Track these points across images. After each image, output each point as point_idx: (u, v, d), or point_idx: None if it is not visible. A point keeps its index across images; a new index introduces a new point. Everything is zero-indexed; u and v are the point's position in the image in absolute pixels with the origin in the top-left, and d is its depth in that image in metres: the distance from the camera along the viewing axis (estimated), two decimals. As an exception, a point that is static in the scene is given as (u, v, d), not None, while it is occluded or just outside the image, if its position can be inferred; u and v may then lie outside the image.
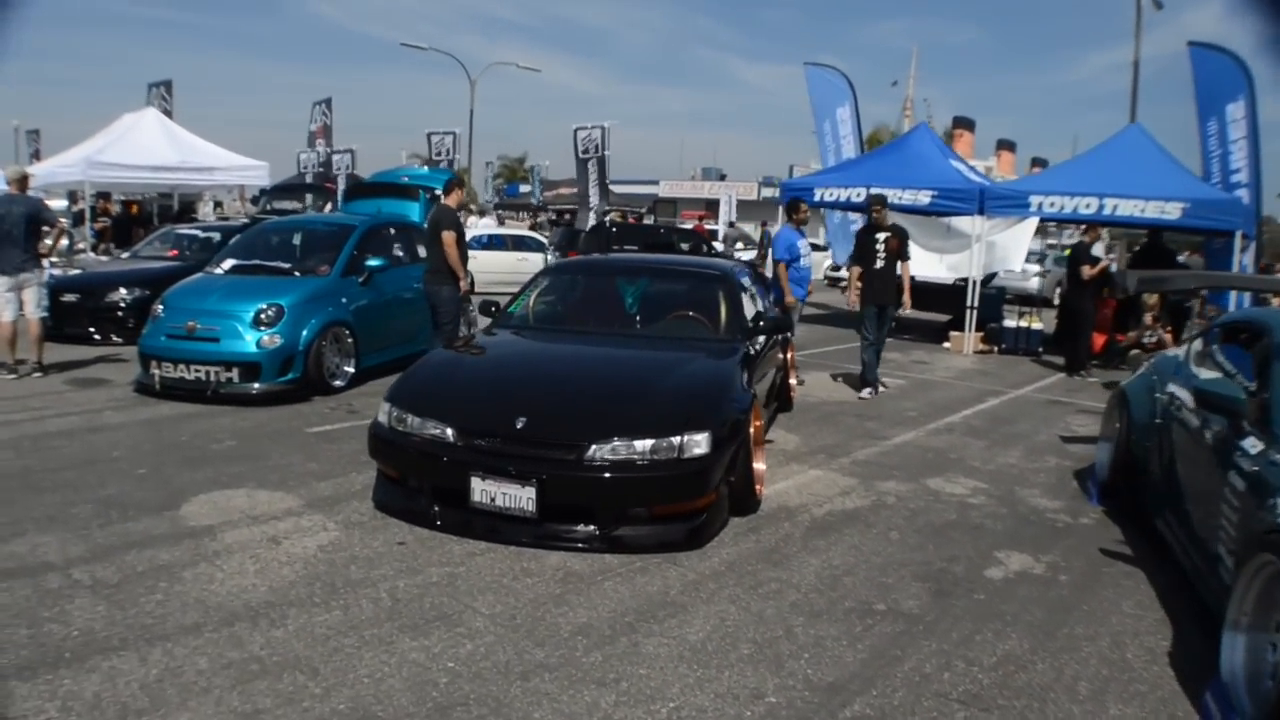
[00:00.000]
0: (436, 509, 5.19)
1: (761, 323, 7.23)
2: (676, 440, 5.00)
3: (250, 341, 8.07)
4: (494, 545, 4.96)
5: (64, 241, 10.65)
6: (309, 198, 14.32)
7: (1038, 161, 54.04)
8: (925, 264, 15.77)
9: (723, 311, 7.02)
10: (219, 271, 9.13)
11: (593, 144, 17.46)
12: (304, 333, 8.31)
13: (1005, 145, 56.83)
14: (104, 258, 14.57)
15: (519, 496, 4.93)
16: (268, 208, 14.66)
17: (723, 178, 51.76)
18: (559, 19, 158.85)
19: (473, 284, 9.06)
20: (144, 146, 15.10)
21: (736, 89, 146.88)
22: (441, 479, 5.19)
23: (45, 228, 9.18)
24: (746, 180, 48.30)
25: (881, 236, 9.12)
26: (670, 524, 4.99)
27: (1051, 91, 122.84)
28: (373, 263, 9.22)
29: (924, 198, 14.92)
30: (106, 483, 5.81)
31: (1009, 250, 16.41)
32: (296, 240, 9.77)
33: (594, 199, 17.21)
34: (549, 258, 19.13)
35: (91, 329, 10.99)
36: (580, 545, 4.88)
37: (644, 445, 5.00)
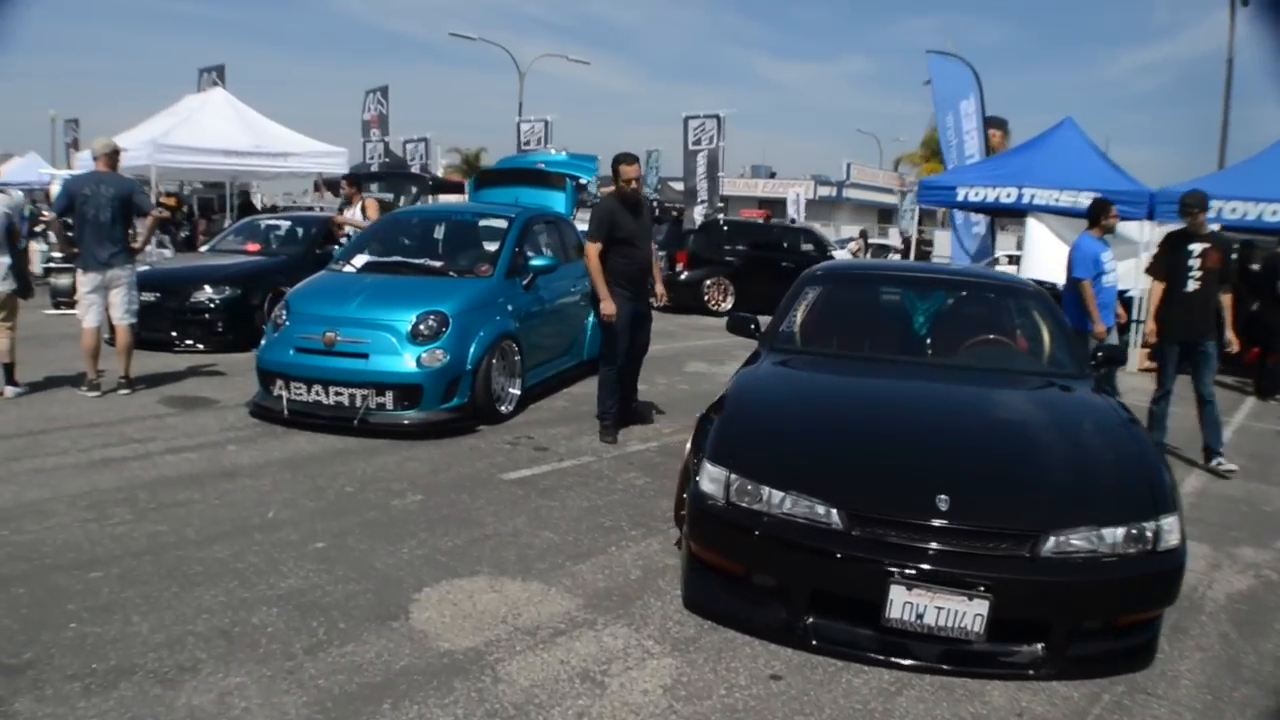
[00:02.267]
0: (811, 622, 3.45)
1: (1100, 353, 5.46)
2: (1150, 527, 3.47)
3: (409, 359, 6.27)
4: (903, 674, 3.33)
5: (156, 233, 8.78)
6: (411, 188, 12.53)
7: (991, 121, 52.73)
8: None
9: (1048, 336, 5.29)
10: (351, 270, 7.32)
11: (706, 134, 15.66)
12: (472, 348, 6.51)
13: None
14: (166, 253, 12.83)
15: (962, 613, 3.27)
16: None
17: (773, 175, 50.56)
18: (588, 17, 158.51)
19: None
20: (214, 129, 13.35)
21: (765, 87, 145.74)
22: (831, 583, 3.42)
23: (139, 215, 7.41)
24: (795, 178, 46.70)
25: (1197, 249, 6.75)
26: (1125, 637, 3.60)
27: (1082, 91, 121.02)
28: (538, 262, 7.43)
29: (1085, 200, 13.40)
30: (280, 566, 4.01)
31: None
32: (439, 233, 7.98)
33: (703, 194, 15.50)
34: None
35: (174, 334, 9.22)
36: (1028, 672, 3.39)
37: (1114, 534, 3.44)
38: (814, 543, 3.41)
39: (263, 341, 6.73)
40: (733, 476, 3.61)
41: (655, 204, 25.26)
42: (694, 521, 3.73)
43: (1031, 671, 3.38)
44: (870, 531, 3.40)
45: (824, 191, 46.21)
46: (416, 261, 7.32)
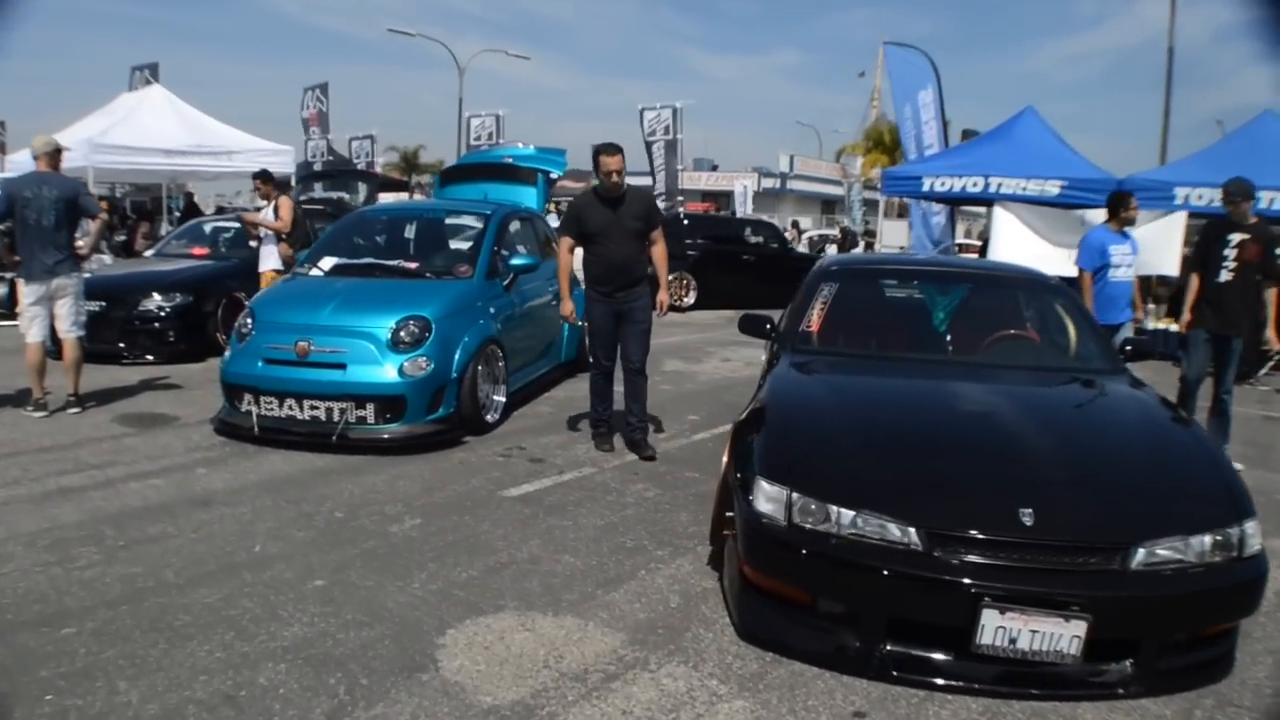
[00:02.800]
0: (888, 650, 3.17)
1: (1129, 347, 5.27)
2: (1234, 533, 3.28)
3: (391, 368, 5.81)
4: (992, 702, 3.09)
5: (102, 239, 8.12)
6: (360, 186, 11.94)
7: (968, 133, 53.93)
8: (1055, 261, 13.96)
9: (1074, 330, 5.09)
10: (318, 273, 6.81)
11: (661, 125, 15.28)
12: (456, 354, 6.09)
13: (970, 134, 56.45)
14: (105, 259, 12.04)
15: (1059, 635, 3.02)
16: (301, 199, 12.21)
17: (714, 168, 50.35)
18: (521, 11, 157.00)
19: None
20: (153, 128, 12.57)
21: (698, 81, 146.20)
22: (911, 609, 3.12)
23: (86, 218, 6.82)
24: (736, 171, 46.60)
25: (1235, 239, 6.42)
26: (1208, 648, 3.40)
27: (1012, 81, 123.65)
28: (518, 261, 7.01)
29: (1052, 188, 13.83)
30: (280, 611, 3.57)
31: (1159, 249, 14.52)
32: (410, 233, 7.50)
33: (660, 187, 15.18)
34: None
35: (122, 345, 8.58)
36: (1118, 691, 3.17)
37: (1201, 542, 3.23)
38: (891, 565, 3.10)
39: (226, 353, 6.21)
40: (794, 495, 3.29)
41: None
42: (750, 545, 3.39)
43: (1121, 690, 3.16)
44: (952, 551, 3.10)
45: (768, 183, 46.21)
46: (390, 263, 6.85)
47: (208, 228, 10.90)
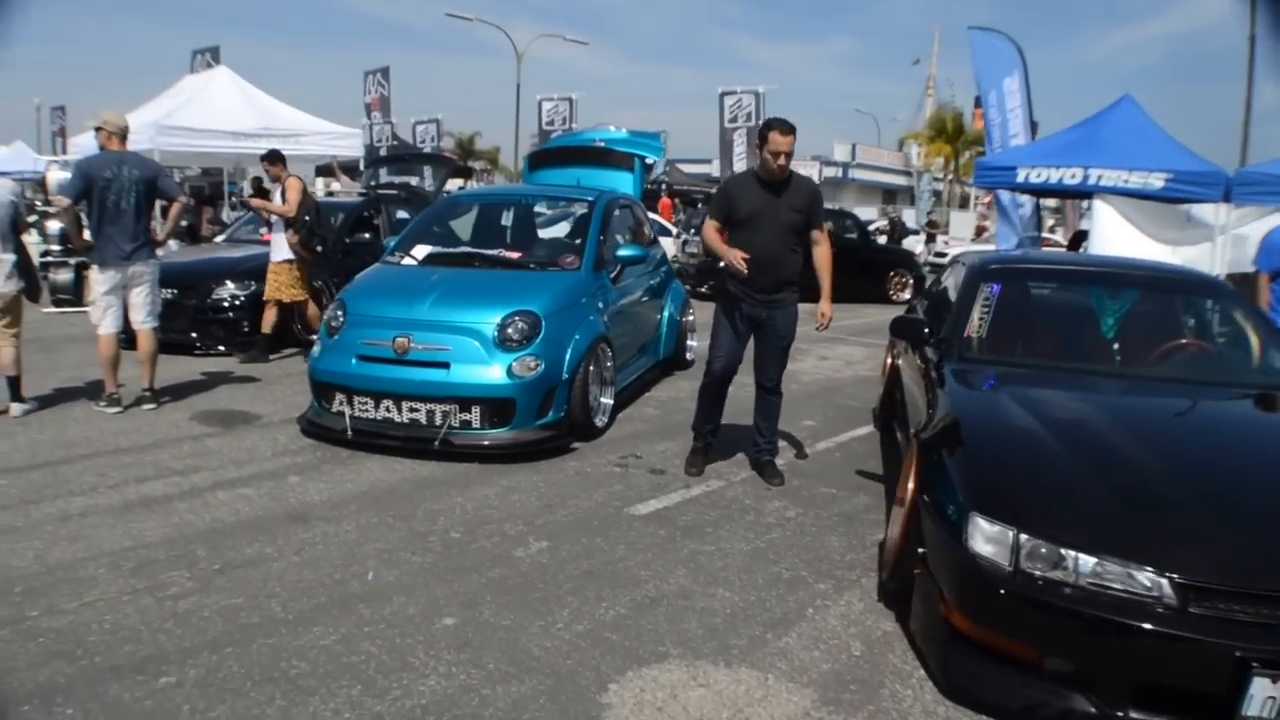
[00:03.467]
0: (1131, 718, 2.64)
1: None
2: None
3: (499, 368, 5.26)
4: None
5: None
6: (430, 170, 11.46)
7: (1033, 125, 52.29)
8: (1156, 256, 13.13)
9: (1256, 339, 4.52)
10: (411, 262, 6.29)
11: (743, 111, 14.53)
12: (568, 354, 5.52)
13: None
14: (172, 245, 11.70)
15: None
16: (372, 184, 11.75)
17: None
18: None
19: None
20: (220, 110, 12.21)
21: (749, 69, 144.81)
22: (1162, 671, 2.64)
23: (165, 201, 6.38)
24: (796, 160, 45.34)
25: None
26: None
27: (1071, 70, 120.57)
28: (625, 252, 6.43)
29: (1156, 181, 12.87)
30: (409, 658, 3.03)
31: (1266, 245, 13.55)
32: (506, 220, 6.94)
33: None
34: (683, 244, 16.46)
35: (194, 335, 8.16)
36: None
37: None
38: (1140, 621, 2.53)
39: (315, 349, 5.70)
40: (1023, 537, 2.72)
41: (663, 185, 23.85)
42: (964, 592, 2.83)
43: None
44: (1212, 606, 2.55)
45: (829, 173, 45.18)
46: (490, 253, 6.29)
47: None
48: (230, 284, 8.32)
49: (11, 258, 5.88)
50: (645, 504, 4.70)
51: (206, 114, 12.02)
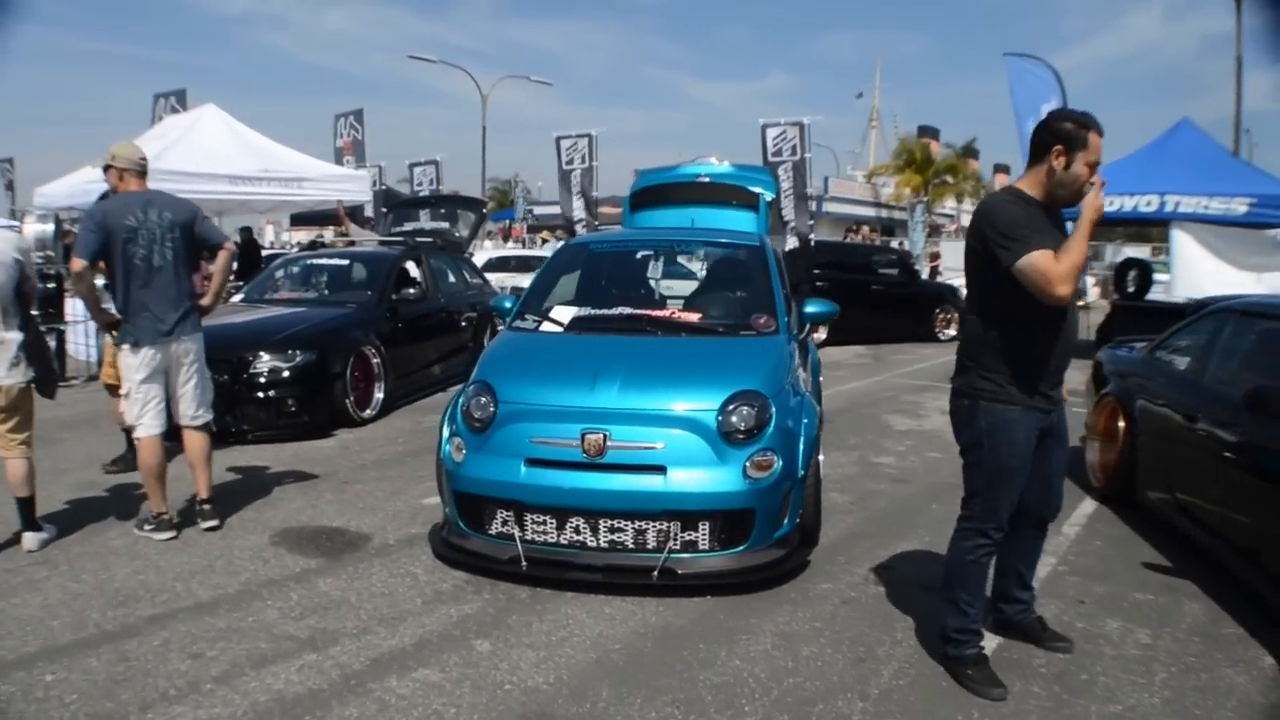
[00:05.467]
0: None
1: None
2: None
3: (731, 469, 3.89)
4: None
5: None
6: (464, 215, 10.02)
7: (1001, 168, 53.09)
8: (1240, 285, 12.32)
9: None
10: (554, 328, 4.88)
11: (788, 144, 13.68)
12: (800, 444, 4.17)
13: (1001, 169, 56.51)
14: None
15: None
16: (393, 231, 10.26)
17: None
18: (511, 43, 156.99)
19: None
20: (213, 152, 10.61)
21: (690, 107, 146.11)
22: None
23: (208, 250, 4.92)
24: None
25: None
26: None
27: (1005, 98, 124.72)
28: (815, 309, 5.11)
29: (1239, 206, 12.48)
30: None
31: None
32: (653, 270, 5.53)
33: (789, 213, 13.79)
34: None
35: (228, 419, 6.59)
36: None
37: None
38: None
39: (454, 450, 4.20)
40: None
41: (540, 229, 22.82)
42: None
43: None
44: None
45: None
46: (661, 314, 4.88)
47: (299, 267, 8.91)
48: (268, 355, 6.79)
49: (16, 337, 4.33)
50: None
51: (200, 156, 10.43)
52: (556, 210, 25.95)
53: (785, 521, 4.08)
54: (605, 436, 3.87)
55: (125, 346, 4.59)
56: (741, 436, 3.97)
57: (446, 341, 8.89)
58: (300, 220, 18.86)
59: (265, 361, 6.74)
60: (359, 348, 7.18)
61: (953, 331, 14.43)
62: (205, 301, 4.86)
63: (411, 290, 8.41)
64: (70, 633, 3.48)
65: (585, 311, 4.92)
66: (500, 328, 5.25)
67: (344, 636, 3.46)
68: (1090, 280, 13.82)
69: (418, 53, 27.54)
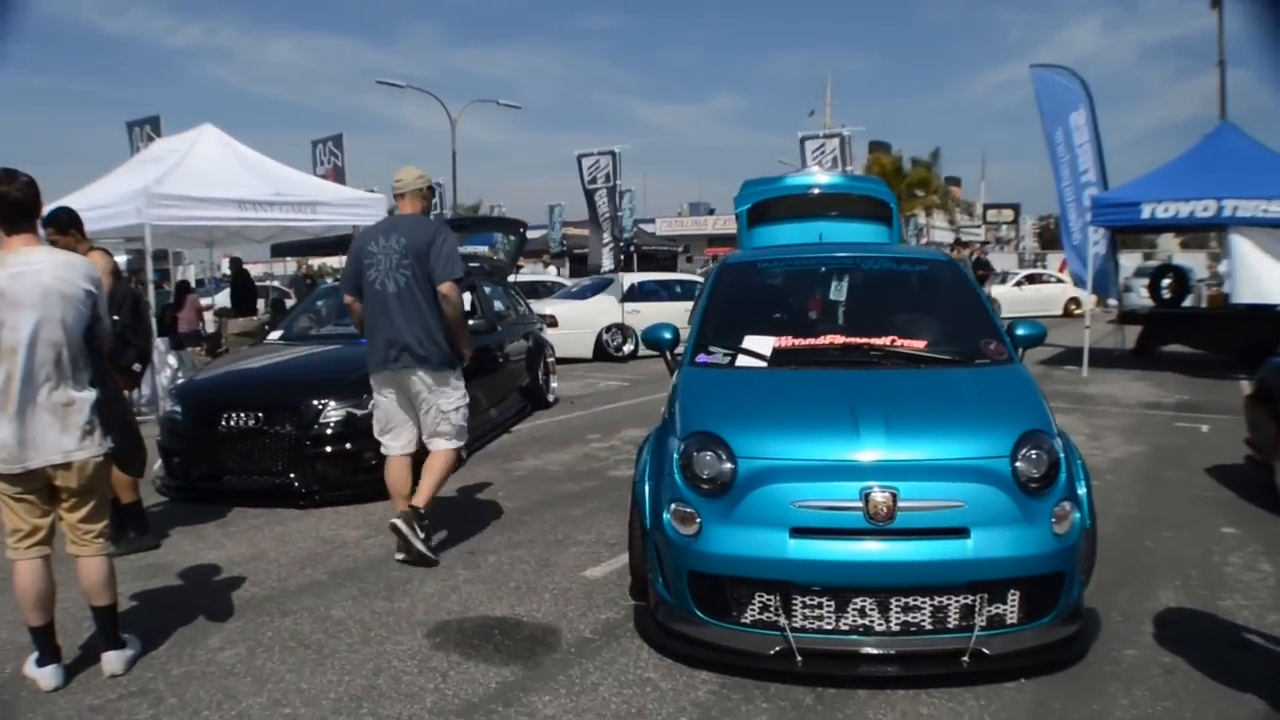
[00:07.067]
0: None
1: None
2: None
3: (1040, 527, 3.22)
4: None
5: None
6: (503, 239, 9.22)
7: (951, 180, 54.28)
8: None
9: None
10: (752, 363, 4.14)
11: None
12: (1082, 488, 3.53)
13: (953, 181, 57.36)
14: (170, 360, 8.98)
15: None
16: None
17: (711, 212, 50.36)
18: (458, 71, 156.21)
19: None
20: (217, 176, 9.58)
21: (641, 131, 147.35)
22: None
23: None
24: (729, 214, 45.63)
25: None
26: None
27: (951, 111, 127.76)
28: (1026, 332, 4.44)
29: None
30: None
31: None
32: (836, 293, 4.78)
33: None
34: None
35: (292, 477, 5.73)
36: None
37: None
38: None
39: (678, 521, 3.42)
40: None
41: (632, 246, 22.28)
42: None
43: None
44: None
45: None
46: (879, 342, 4.16)
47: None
48: (337, 402, 5.89)
49: (88, 396, 3.36)
50: None
51: (203, 180, 9.41)
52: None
53: (1079, 583, 3.43)
54: (894, 495, 3.15)
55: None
56: (1036, 485, 3.31)
57: (504, 378, 8.09)
58: (283, 251, 17.69)
59: (336, 410, 5.86)
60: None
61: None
62: (464, 351, 4.74)
63: (471, 321, 7.57)
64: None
65: (788, 342, 4.18)
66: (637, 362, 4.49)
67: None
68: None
69: (383, 78, 26.19)
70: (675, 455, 3.52)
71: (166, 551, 4.87)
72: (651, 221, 44.83)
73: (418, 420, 4.66)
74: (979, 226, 47.05)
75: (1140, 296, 15.98)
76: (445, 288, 4.51)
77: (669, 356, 4.56)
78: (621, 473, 6.54)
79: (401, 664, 3.46)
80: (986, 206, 49.98)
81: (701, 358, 4.22)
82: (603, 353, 13.82)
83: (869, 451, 3.32)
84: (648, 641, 3.55)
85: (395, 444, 4.69)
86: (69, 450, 3.23)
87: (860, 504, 3.16)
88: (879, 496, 3.15)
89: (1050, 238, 47.76)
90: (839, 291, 4.71)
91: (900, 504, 3.15)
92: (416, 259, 4.43)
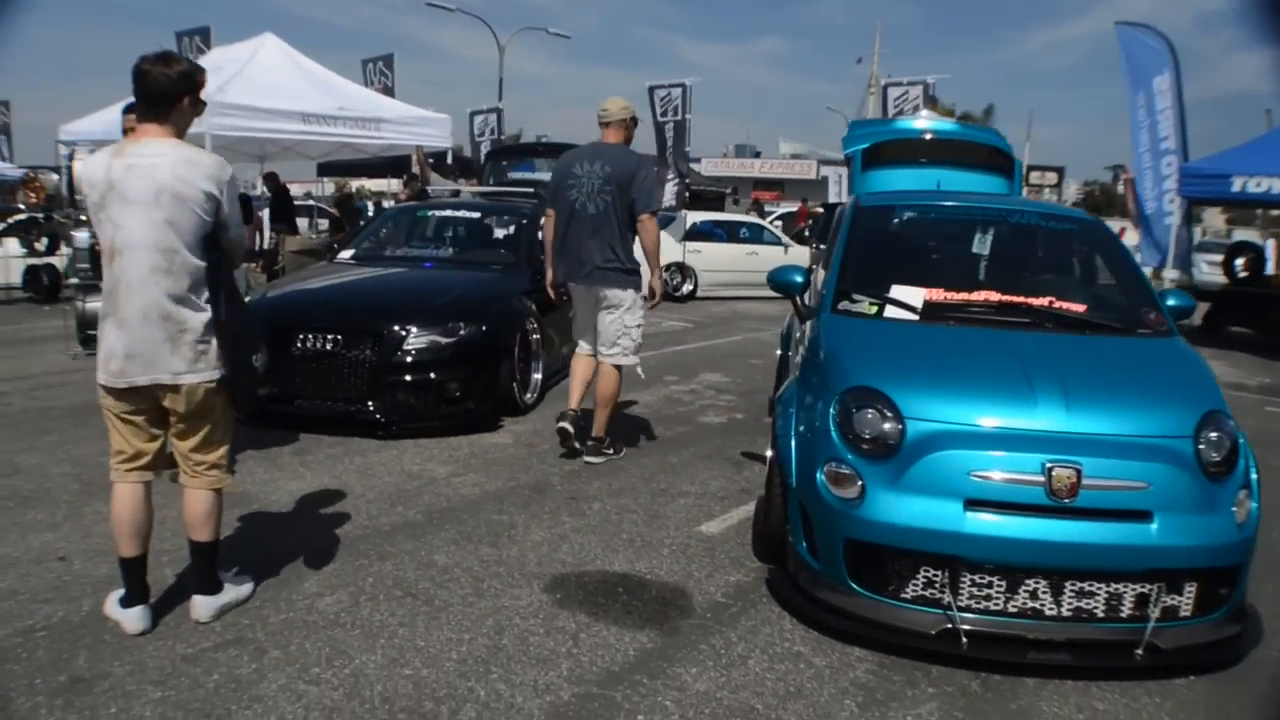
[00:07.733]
0: None
1: None
2: None
3: (1223, 514, 3.04)
4: None
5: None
6: (540, 165, 8.99)
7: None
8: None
9: None
10: (900, 314, 3.91)
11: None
12: (1254, 477, 3.33)
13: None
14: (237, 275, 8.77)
15: None
16: (498, 182, 9.11)
17: (758, 155, 49.52)
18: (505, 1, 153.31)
19: None
20: (280, 88, 9.25)
21: (683, 69, 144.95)
22: None
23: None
24: (775, 159, 45.57)
25: None
26: None
27: (997, 69, 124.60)
28: (1177, 302, 4.20)
29: None
30: None
31: None
32: (980, 245, 4.50)
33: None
34: (790, 250, 14.46)
35: (370, 406, 5.51)
36: None
37: None
38: None
39: (834, 482, 3.21)
40: None
41: (684, 184, 21.84)
42: None
43: None
44: None
45: (826, 171, 44.53)
46: (1036, 303, 3.92)
47: (422, 218, 7.77)
48: (418, 329, 5.66)
49: (201, 317, 3.03)
50: None
51: (266, 91, 9.10)
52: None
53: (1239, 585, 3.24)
54: (1078, 472, 2.95)
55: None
56: (1216, 470, 3.13)
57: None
58: (327, 171, 17.28)
59: (419, 336, 5.61)
60: (523, 319, 6.14)
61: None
62: (655, 284, 5.07)
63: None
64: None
65: (939, 295, 3.94)
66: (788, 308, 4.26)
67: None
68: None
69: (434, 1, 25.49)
70: (832, 411, 3.31)
71: (243, 479, 4.52)
72: (698, 161, 44.03)
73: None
74: (1022, 187, 46.24)
75: (1203, 272, 15.57)
76: (645, 219, 4.87)
77: (799, 301, 4.33)
78: (710, 419, 6.36)
79: (525, 622, 3.25)
80: (1030, 168, 48.99)
81: (844, 305, 3.99)
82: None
83: (1047, 421, 3.12)
84: (788, 610, 3.39)
85: (587, 348, 5.21)
86: (178, 372, 2.95)
87: (1042, 478, 2.97)
88: (1062, 472, 2.96)
89: (1094, 204, 46.82)
90: (982, 245, 4.46)
91: (1084, 481, 2.95)
92: (619, 187, 4.76)
